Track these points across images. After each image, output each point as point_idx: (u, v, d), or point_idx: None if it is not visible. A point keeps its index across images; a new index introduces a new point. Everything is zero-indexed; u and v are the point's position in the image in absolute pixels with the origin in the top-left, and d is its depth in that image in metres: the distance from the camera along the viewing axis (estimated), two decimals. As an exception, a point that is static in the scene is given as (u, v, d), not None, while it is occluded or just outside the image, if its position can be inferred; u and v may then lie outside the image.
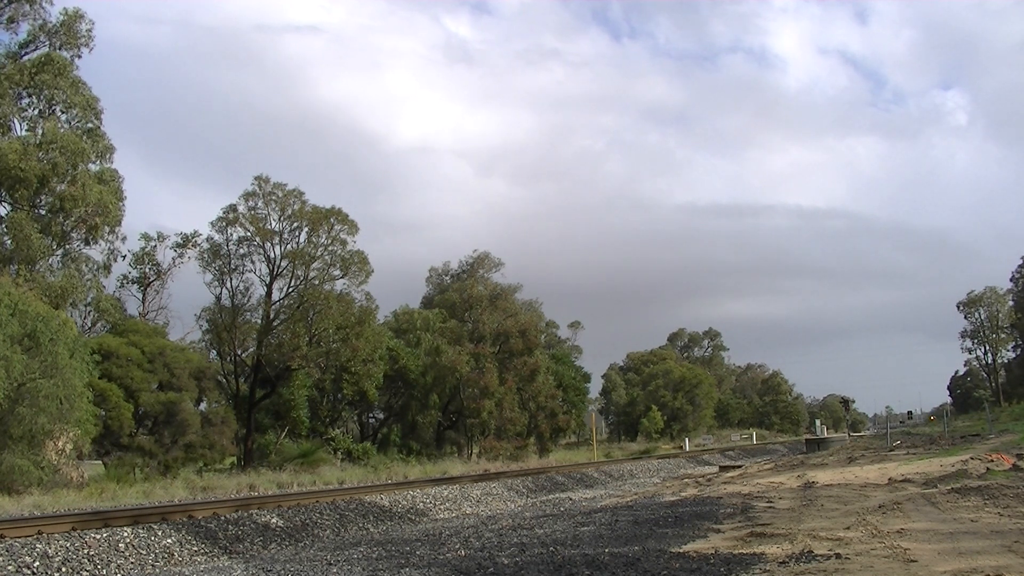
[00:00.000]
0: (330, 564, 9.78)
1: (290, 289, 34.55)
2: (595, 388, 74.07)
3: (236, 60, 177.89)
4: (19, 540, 10.45)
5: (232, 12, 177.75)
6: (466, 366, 41.45)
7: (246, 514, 14.07)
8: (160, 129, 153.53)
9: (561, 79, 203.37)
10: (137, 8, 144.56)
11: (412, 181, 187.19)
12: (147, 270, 39.22)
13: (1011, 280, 78.76)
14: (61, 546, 10.43)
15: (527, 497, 22.65)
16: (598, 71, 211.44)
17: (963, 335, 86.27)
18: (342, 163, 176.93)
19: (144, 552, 11.08)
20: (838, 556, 7.76)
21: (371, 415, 46.09)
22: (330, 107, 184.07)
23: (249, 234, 33.95)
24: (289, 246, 34.39)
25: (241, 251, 34.20)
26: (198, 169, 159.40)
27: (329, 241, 34.54)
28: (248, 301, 34.68)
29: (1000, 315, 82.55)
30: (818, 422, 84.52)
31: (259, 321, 34.74)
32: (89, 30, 28.73)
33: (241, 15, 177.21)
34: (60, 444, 21.22)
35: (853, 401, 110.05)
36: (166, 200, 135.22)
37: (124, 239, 30.20)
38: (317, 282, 34.55)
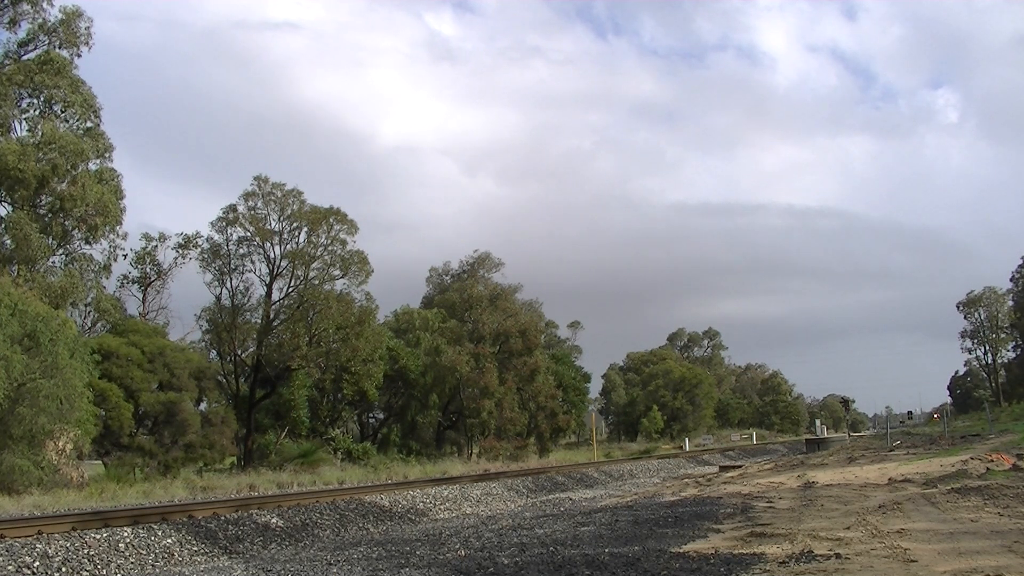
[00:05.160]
0: (330, 564, 9.78)
1: (290, 289, 34.59)
2: (595, 388, 74.14)
3: (219, 58, 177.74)
4: (19, 540, 10.45)
5: (213, 9, 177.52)
6: (466, 366, 41.44)
7: (246, 514, 14.07)
8: (145, 127, 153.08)
9: (545, 77, 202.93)
10: (120, 6, 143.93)
11: (399, 181, 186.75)
12: (147, 270, 39.22)
13: (1011, 280, 78.82)
14: (61, 546, 10.43)
15: (527, 497, 22.64)
16: (583, 69, 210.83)
17: (963, 335, 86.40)
18: (329, 163, 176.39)
19: (144, 552, 11.08)
20: (838, 556, 7.76)
21: (371, 415, 46.11)
22: (314, 106, 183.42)
23: (249, 234, 33.98)
24: (289, 246, 34.44)
25: (241, 251, 34.25)
26: (185, 168, 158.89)
27: (328, 241, 34.56)
28: (248, 301, 34.74)
29: (1000, 315, 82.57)
30: (818, 422, 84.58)
31: (259, 321, 34.75)
32: (88, 28, 28.75)
33: (221, 12, 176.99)
34: (60, 444, 21.20)
35: (853, 401, 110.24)
36: (154, 198, 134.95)
37: (125, 236, 30.23)
38: (317, 282, 34.56)
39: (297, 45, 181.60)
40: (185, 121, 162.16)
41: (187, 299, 52.48)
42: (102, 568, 10.26)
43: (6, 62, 27.95)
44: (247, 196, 33.98)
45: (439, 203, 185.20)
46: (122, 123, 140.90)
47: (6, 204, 26.79)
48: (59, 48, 28.27)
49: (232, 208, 33.87)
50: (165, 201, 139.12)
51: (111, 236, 28.69)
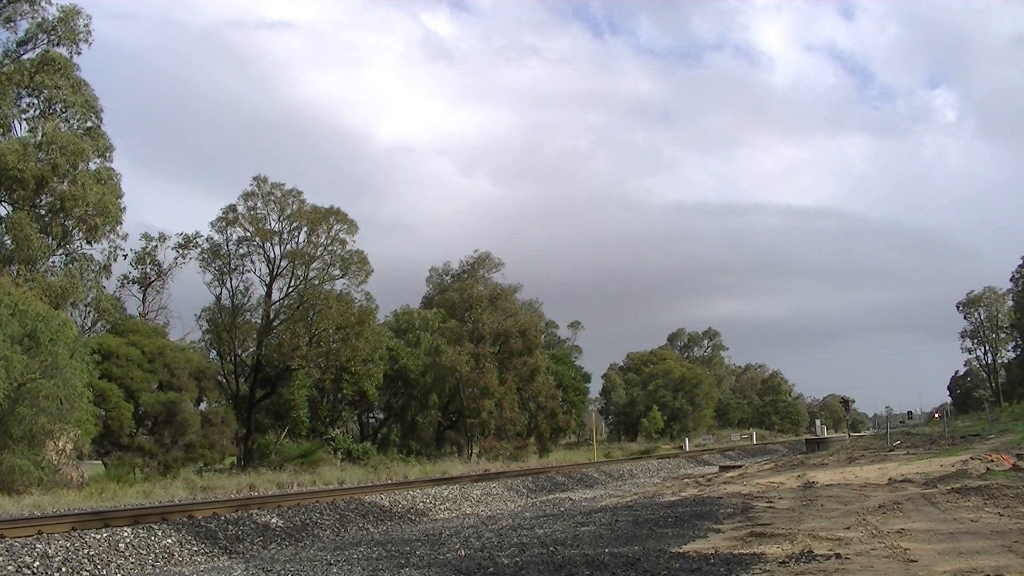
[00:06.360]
0: (330, 564, 9.78)
1: (290, 289, 34.58)
2: (595, 388, 74.12)
3: (215, 58, 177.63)
4: (19, 540, 10.45)
5: (209, 8, 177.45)
6: (466, 366, 41.44)
7: (246, 514, 14.07)
8: (142, 127, 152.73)
9: (541, 77, 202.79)
10: (116, 6, 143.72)
11: (396, 180, 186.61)
12: (147, 270, 39.21)
13: (1011, 280, 78.79)
14: (61, 546, 10.43)
15: (527, 497, 22.65)
16: (580, 68, 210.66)
17: (963, 335, 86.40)
18: (326, 162, 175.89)
19: (144, 552, 11.09)
20: (838, 556, 7.77)
21: (371, 415, 46.11)
22: (310, 106, 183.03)
23: (249, 234, 33.97)
24: (288, 246, 34.42)
25: (241, 251, 34.24)
26: (183, 168, 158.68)
27: (328, 241, 34.55)
28: (248, 301, 34.74)
29: (1000, 315, 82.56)
30: (818, 422, 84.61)
31: (259, 321, 34.75)
32: (87, 26, 28.71)
33: (217, 12, 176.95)
34: (60, 444, 21.21)
35: (853, 401, 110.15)
36: (152, 198, 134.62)
37: (125, 236, 30.21)
38: (317, 282, 34.55)
39: (293, 45, 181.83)
40: (182, 121, 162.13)
41: (187, 299, 52.55)
42: (102, 568, 10.26)
43: (5, 61, 27.93)
44: (246, 196, 34.00)
45: (436, 203, 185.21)
46: (119, 123, 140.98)
47: (6, 204, 26.79)
48: (57, 46, 28.24)
49: (232, 208, 33.88)
50: (163, 201, 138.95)
51: (111, 236, 28.68)
